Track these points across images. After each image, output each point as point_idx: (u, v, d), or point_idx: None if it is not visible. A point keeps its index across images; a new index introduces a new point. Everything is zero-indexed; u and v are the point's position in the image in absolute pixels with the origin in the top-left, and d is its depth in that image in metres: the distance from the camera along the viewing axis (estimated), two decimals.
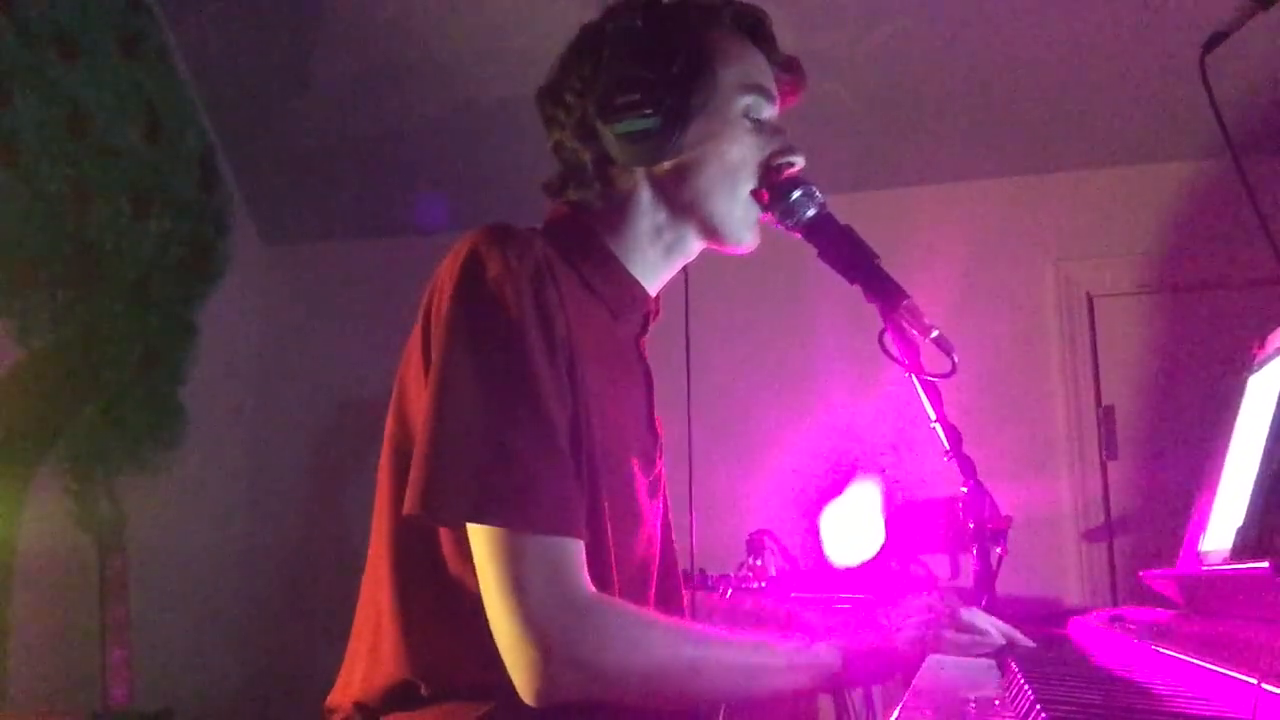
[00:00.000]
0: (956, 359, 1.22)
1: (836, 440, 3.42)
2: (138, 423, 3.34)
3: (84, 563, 2.93)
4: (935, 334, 1.22)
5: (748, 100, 1.17)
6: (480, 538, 0.99)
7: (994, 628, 1.14)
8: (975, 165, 3.52)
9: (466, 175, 3.65)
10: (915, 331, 1.22)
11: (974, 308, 3.39)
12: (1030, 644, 1.15)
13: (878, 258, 1.25)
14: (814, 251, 1.27)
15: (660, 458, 1.25)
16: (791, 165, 1.19)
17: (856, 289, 1.25)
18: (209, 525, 3.65)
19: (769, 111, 1.20)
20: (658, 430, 1.26)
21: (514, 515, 0.97)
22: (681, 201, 1.17)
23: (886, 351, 1.24)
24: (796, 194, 1.23)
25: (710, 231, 1.20)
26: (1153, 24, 2.99)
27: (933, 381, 1.23)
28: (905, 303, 1.22)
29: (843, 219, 1.27)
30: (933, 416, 1.23)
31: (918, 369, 1.23)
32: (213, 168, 3.70)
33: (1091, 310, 3.46)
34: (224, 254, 3.73)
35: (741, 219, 1.19)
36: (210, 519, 3.66)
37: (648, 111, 1.10)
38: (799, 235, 1.26)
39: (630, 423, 1.18)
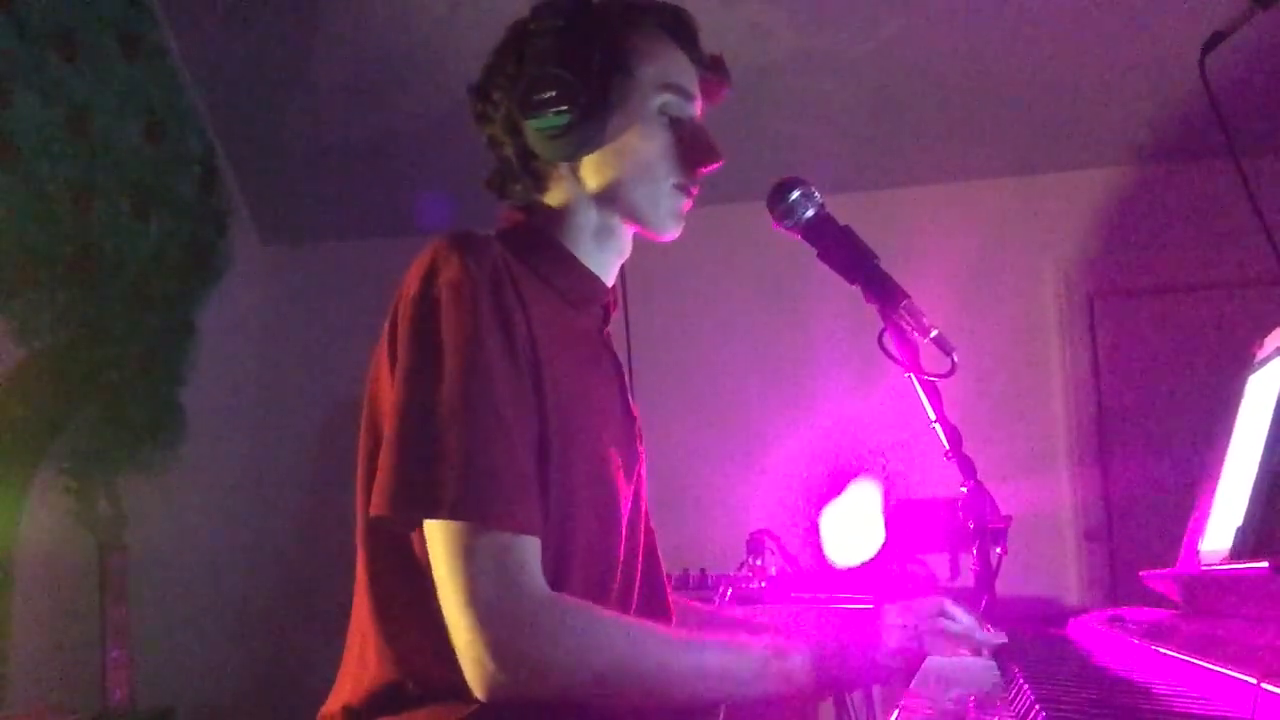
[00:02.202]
0: (956, 359, 1.23)
1: (836, 440, 3.42)
2: (138, 423, 3.34)
3: (84, 563, 2.93)
4: (935, 334, 1.23)
5: (665, 98, 1.19)
6: (435, 534, 0.99)
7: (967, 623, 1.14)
8: (975, 165, 3.52)
9: (466, 175, 3.63)
10: (915, 331, 1.23)
11: (974, 308, 3.39)
12: (998, 639, 1.15)
13: (877, 258, 1.25)
14: (813, 252, 1.27)
15: (640, 441, 1.27)
16: (709, 162, 1.20)
17: (856, 289, 1.26)
18: (209, 525, 3.65)
19: (688, 109, 1.22)
20: (634, 414, 1.27)
21: (467, 511, 0.97)
22: (606, 194, 1.20)
23: (886, 352, 1.24)
24: (795, 194, 1.24)
25: (635, 221, 1.22)
26: (1153, 24, 2.99)
27: (932, 381, 1.24)
28: (905, 303, 1.23)
29: (842, 219, 1.27)
30: (932, 416, 1.23)
31: (917, 369, 1.23)
32: (213, 168, 3.70)
33: (1091, 310, 3.46)
34: (224, 254, 3.73)
35: (664, 210, 1.21)
36: (210, 519, 3.66)
37: (564, 108, 1.13)
38: (798, 236, 1.27)
39: (606, 410, 1.19)
